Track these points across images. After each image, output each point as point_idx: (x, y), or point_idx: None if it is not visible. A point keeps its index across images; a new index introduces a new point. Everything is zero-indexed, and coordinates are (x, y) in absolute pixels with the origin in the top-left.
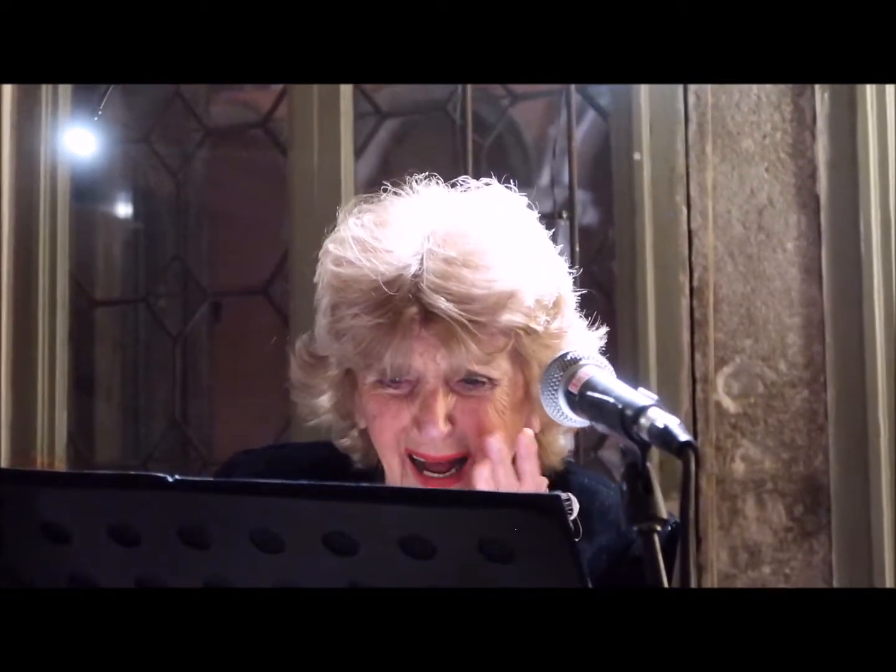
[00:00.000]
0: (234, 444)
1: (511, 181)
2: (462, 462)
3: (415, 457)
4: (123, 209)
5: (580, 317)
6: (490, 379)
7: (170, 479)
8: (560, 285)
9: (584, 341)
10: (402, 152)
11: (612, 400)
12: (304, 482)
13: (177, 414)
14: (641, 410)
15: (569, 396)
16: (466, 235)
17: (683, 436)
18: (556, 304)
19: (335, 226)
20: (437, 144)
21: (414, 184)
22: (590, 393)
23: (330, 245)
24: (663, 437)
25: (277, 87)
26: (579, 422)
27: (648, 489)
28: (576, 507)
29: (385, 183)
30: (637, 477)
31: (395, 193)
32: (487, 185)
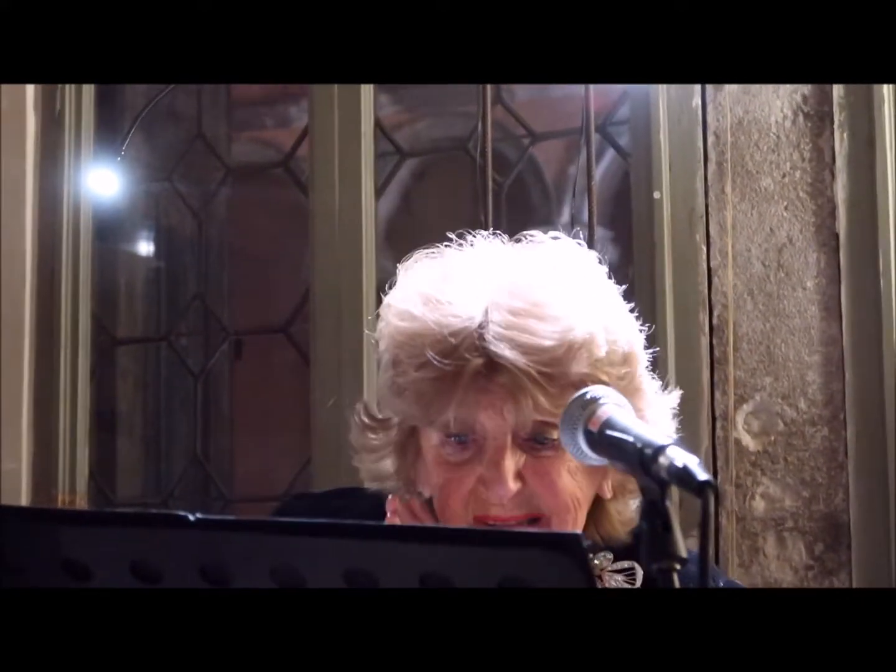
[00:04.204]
0: (255, 481)
1: (531, 220)
2: (534, 522)
3: (486, 522)
4: (145, 248)
5: (652, 378)
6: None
7: (191, 518)
8: (631, 340)
9: (657, 401)
10: (423, 191)
11: (631, 439)
12: (325, 521)
13: (198, 451)
14: (660, 449)
15: (588, 435)
16: (533, 287)
17: (702, 475)
18: (628, 360)
19: (395, 281)
20: (457, 183)
21: (477, 237)
22: (609, 432)
23: (391, 299)
24: (682, 476)
25: (299, 127)
26: (598, 460)
27: (668, 528)
28: (639, 577)
29: (450, 235)
30: (656, 515)
31: (458, 245)
32: (556, 238)
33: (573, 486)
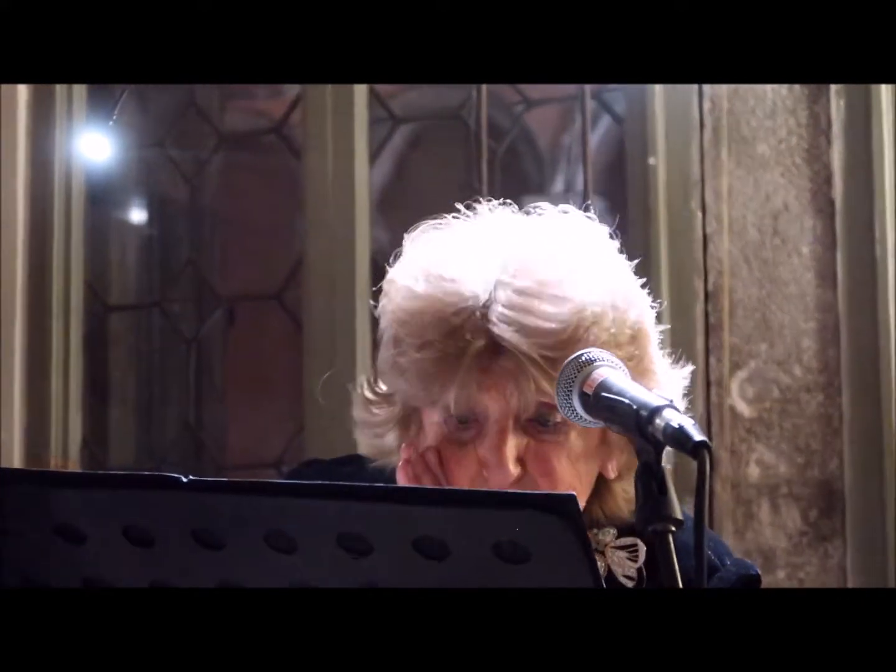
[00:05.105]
0: (248, 448)
1: (525, 187)
2: None
3: None
4: (138, 215)
5: (664, 354)
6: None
7: (184, 480)
8: (640, 319)
9: (667, 381)
10: (417, 158)
11: (626, 401)
12: (318, 482)
13: (190, 418)
14: (656, 411)
15: (583, 398)
16: (540, 265)
17: (698, 435)
18: (636, 340)
19: (400, 253)
20: (451, 150)
21: (486, 208)
22: (604, 394)
23: (394, 274)
24: (678, 437)
25: (291, 94)
26: (594, 423)
27: (663, 490)
28: (642, 553)
29: (458, 206)
30: (652, 478)
31: (465, 217)
32: (565, 212)
33: (571, 475)
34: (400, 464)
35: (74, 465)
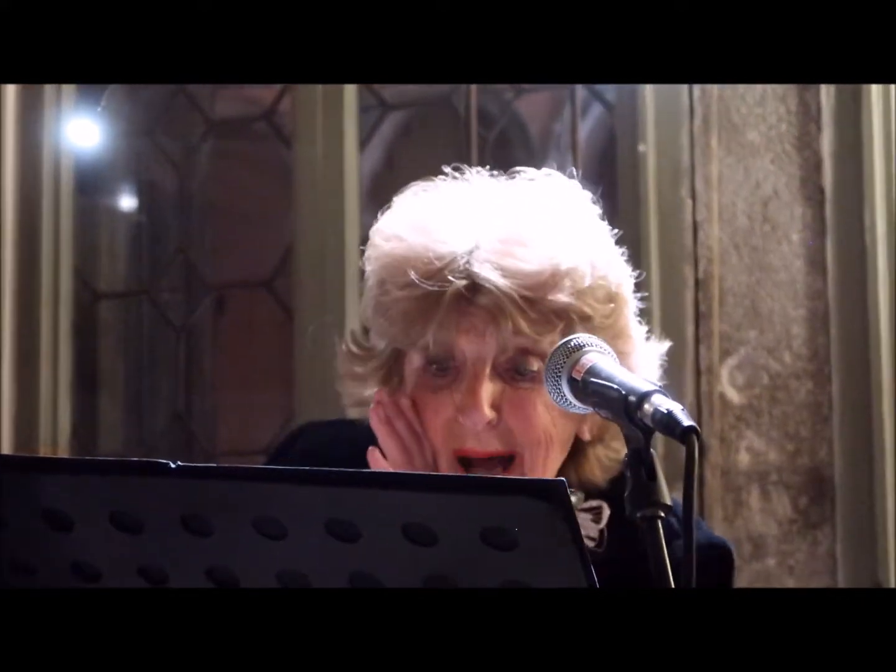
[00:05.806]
0: (238, 437)
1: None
2: (509, 461)
3: (461, 456)
4: (127, 202)
5: (640, 324)
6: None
7: (172, 466)
8: (619, 282)
9: (642, 349)
10: (407, 145)
11: (615, 386)
12: (306, 468)
13: (180, 407)
14: (645, 396)
15: (572, 383)
16: (523, 218)
17: (687, 421)
18: (614, 299)
19: (389, 206)
20: (441, 137)
21: (472, 172)
22: (593, 379)
23: (381, 224)
24: (666, 422)
25: None
26: (583, 409)
27: (652, 476)
28: (605, 516)
29: (444, 169)
30: (641, 463)
31: (453, 178)
32: (549, 175)
33: (547, 422)
34: (372, 406)
35: (63, 454)
